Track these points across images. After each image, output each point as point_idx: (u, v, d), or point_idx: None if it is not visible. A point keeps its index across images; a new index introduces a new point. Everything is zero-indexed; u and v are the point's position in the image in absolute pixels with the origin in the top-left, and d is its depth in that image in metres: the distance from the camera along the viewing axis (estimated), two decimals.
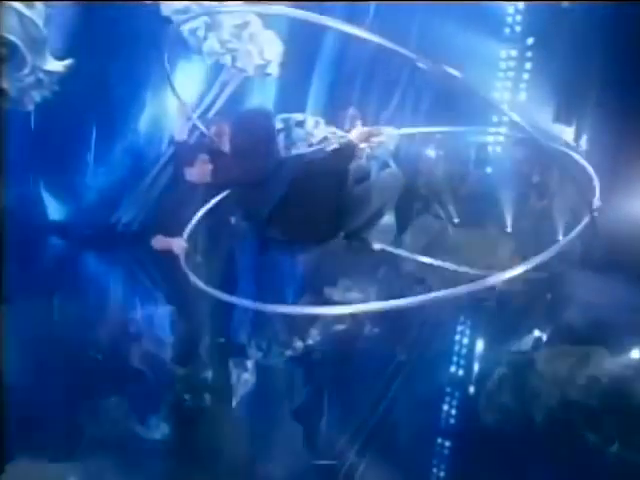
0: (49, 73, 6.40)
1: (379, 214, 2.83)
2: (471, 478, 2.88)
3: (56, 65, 6.43)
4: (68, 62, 6.68)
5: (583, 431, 3.29)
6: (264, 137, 2.53)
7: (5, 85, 5.96)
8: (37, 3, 6.09)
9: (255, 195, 2.54)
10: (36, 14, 5.98)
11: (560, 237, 9.36)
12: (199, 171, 2.97)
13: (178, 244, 3.08)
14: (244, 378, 3.84)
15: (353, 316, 5.50)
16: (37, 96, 6.47)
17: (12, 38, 5.84)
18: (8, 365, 3.45)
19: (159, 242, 3.23)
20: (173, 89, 4.51)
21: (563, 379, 4.04)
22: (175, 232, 3.21)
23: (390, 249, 3.71)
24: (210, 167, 2.99)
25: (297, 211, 2.48)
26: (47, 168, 7.25)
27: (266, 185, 2.46)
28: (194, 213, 3.82)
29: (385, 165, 8.45)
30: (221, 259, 3.97)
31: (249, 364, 4.01)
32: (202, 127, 3.72)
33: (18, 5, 5.76)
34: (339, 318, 5.34)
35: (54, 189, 7.56)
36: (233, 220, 3.84)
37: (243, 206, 2.76)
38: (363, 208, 2.64)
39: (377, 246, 3.01)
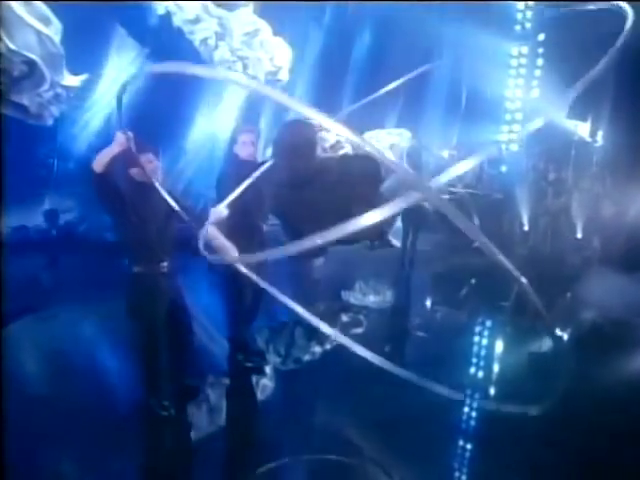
0: (67, 88, 6.56)
1: (396, 214, 2.87)
2: None
3: (73, 80, 6.59)
4: (84, 77, 6.85)
5: (603, 431, 3.26)
6: (308, 143, 2.61)
7: (26, 101, 6.13)
8: (53, 19, 6.25)
9: (293, 198, 2.59)
10: (53, 31, 6.14)
11: (579, 234, 9.25)
12: (138, 172, 2.97)
13: (110, 150, 2.84)
14: (263, 383, 3.87)
15: (370, 318, 5.51)
16: (56, 110, 6.64)
17: (31, 56, 6.01)
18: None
19: (98, 161, 2.84)
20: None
21: (583, 378, 4.00)
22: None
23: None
24: (154, 164, 2.98)
25: (332, 213, 2.53)
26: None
27: (304, 188, 2.52)
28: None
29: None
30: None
31: (267, 369, 4.04)
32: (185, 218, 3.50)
33: (36, 24, 5.92)
34: (356, 321, 5.36)
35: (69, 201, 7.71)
36: (265, 227, 3.81)
37: (280, 208, 2.78)
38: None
39: (397, 245, 3.04)
